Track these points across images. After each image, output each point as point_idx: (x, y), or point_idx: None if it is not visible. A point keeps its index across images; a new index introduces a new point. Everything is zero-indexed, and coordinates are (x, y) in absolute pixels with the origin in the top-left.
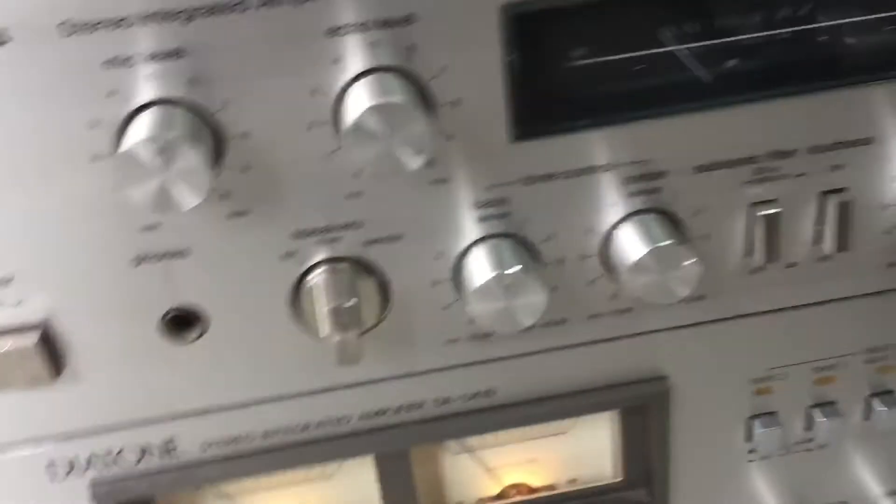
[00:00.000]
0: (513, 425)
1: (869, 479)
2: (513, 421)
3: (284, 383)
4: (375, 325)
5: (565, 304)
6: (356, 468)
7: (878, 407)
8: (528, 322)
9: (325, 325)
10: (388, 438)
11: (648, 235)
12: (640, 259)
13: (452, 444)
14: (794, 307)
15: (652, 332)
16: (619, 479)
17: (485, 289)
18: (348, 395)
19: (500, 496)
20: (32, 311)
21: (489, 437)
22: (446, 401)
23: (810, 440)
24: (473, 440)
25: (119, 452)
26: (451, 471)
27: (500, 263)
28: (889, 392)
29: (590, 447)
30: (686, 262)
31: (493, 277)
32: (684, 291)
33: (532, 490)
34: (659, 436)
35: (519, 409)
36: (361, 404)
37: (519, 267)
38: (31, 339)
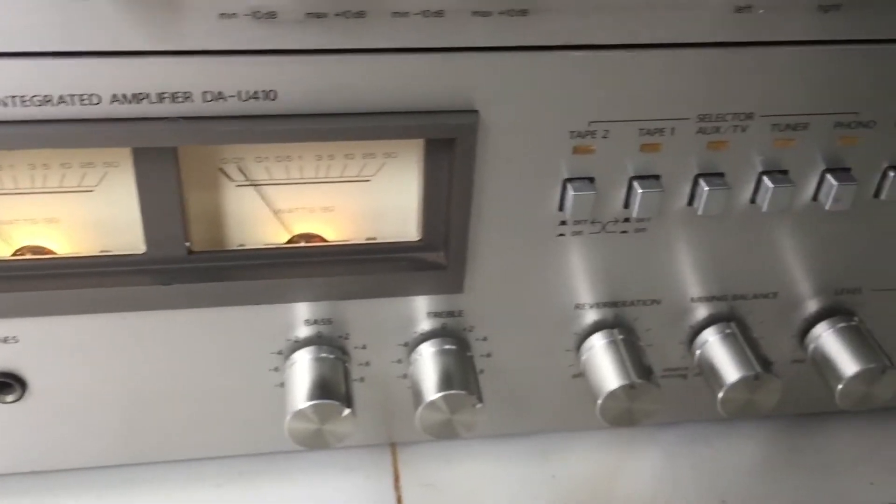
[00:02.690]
0: (295, 138)
1: (688, 280)
2: (295, 133)
3: (15, 34)
4: None
5: None
6: (120, 184)
7: (704, 187)
8: None
9: None
10: (148, 130)
11: None
12: None
13: (235, 173)
14: (629, 46)
15: (464, 49)
16: (416, 239)
17: None
18: (97, 66)
19: (288, 244)
20: None
21: (278, 172)
22: (219, 96)
23: (627, 220)
24: (259, 172)
25: None
26: (232, 206)
27: None
28: (718, 174)
29: (394, 202)
30: None
31: None
32: None
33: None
34: (462, 182)
35: (304, 121)
36: (114, 82)
37: None
38: None
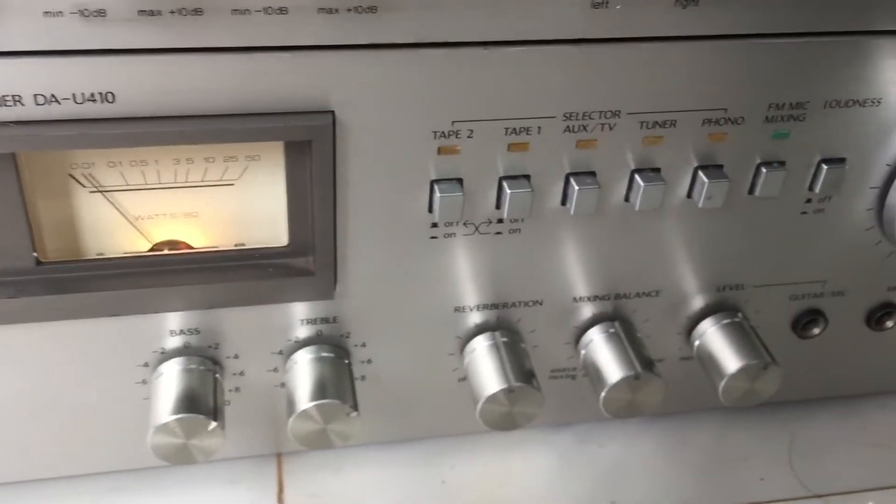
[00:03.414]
0: (137, 142)
1: (569, 280)
2: (137, 137)
3: None
4: None
5: None
6: None
7: (574, 187)
8: None
9: None
10: None
11: None
12: None
13: (84, 179)
14: (485, 43)
15: (313, 47)
16: (284, 244)
17: None
18: None
19: (149, 252)
20: None
21: (133, 177)
22: (52, 99)
23: (500, 221)
24: (113, 177)
25: None
26: (86, 213)
27: None
28: (590, 173)
29: (261, 206)
30: None
31: None
32: None
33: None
34: (323, 185)
35: (146, 124)
36: None
37: None
38: None
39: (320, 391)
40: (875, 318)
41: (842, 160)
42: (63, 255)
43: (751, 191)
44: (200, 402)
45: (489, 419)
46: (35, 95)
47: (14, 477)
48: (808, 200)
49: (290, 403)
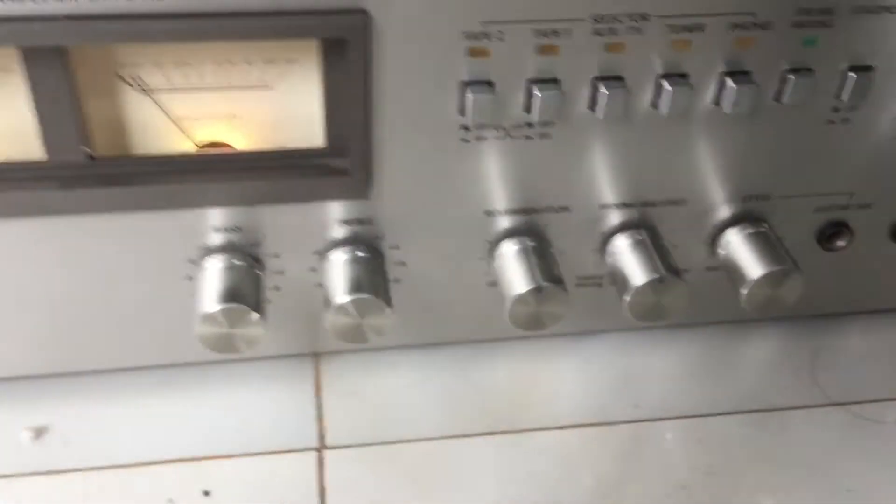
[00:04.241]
0: (178, 38)
1: (595, 187)
2: (186, 32)
3: None
4: None
5: None
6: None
7: (602, 91)
8: None
9: None
10: (36, 30)
11: None
12: None
13: (131, 80)
14: None
15: None
16: (321, 145)
17: None
18: None
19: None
20: None
21: (177, 78)
22: None
23: (530, 125)
24: (158, 78)
25: None
26: (130, 113)
27: None
28: (618, 78)
29: (299, 108)
30: None
31: None
32: None
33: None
34: (358, 85)
35: (194, 22)
36: None
37: None
38: None
39: (356, 286)
40: None
41: (870, 68)
42: (113, 151)
43: (777, 98)
44: (244, 295)
45: (518, 319)
46: None
47: (63, 368)
48: (836, 109)
49: (327, 299)
